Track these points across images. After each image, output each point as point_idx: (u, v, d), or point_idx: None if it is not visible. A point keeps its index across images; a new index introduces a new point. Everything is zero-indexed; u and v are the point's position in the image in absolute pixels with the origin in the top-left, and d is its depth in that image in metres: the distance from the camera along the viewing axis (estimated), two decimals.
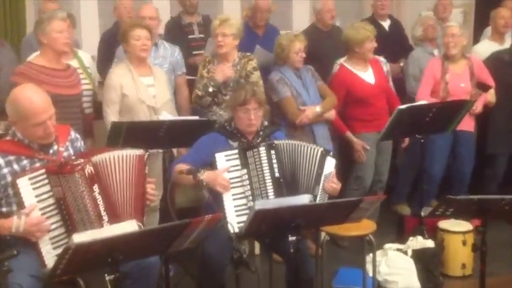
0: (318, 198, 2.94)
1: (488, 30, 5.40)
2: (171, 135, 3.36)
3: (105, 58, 4.44)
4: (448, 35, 4.32)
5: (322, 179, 2.96)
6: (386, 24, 5.55)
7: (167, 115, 3.48)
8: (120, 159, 2.60)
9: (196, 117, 3.66)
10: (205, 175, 2.79)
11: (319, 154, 2.98)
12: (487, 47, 4.97)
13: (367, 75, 4.17)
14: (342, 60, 4.37)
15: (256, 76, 3.86)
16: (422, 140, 3.93)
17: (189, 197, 3.33)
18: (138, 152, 2.67)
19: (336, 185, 3.00)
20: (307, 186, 2.98)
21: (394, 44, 5.27)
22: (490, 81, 4.43)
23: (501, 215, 2.70)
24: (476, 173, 4.67)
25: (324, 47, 4.69)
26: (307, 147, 3.01)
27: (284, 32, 4.97)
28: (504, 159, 4.67)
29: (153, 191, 2.75)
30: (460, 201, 2.61)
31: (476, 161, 4.62)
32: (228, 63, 3.85)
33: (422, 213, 3.68)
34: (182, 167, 2.91)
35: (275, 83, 3.97)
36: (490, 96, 4.35)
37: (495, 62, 4.56)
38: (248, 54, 3.99)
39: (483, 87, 4.42)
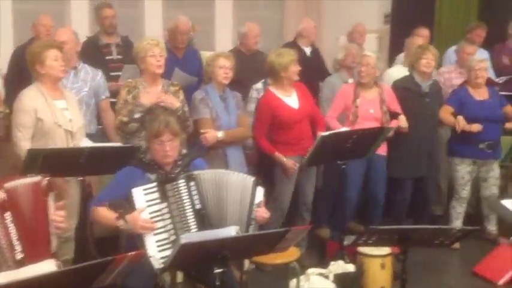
0: (250, 230, 2.90)
1: (402, 56, 5.64)
2: (92, 163, 3.25)
3: (15, 74, 4.25)
4: (363, 63, 4.45)
5: (254, 208, 2.93)
6: (308, 50, 5.70)
7: (88, 141, 3.35)
8: (26, 187, 2.51)
9: (119, 144, 3.55)
10: (123, 223, 2.72)
11: (251, 183, 2.92)
12: (400, 72, 5.13)
13: (291, 100, 4.20)
14: (258, 85, 4.41)
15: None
16: (343, 166, 4.02)
17: (108, 227, 3.21)
18: (36, 179, 2.56)
19: (265, 214, 2.98)
20: (237, 216, 2.92)
21: (313, 69, 5.40)
22: (398, 109, 4.57)
23: (421, 243, 2.81)
24: (387, 197, 4.81)
25: (246, 70, 4.73)
26: (236, 175, 2.97)
27: (207, 52, 4.99)
28: (410, 184, 4.81)
29: (61, 218, 2.61)
30: (382, 231, 2.69)
31: (388, 185, 4.77)
32: (156, 87, 3.78)
33: (346, 242, 3.76)
34: (101, 213, 2.83)
35: (197, 102, 3.97)
36: (402, 121, 4.48)
37: (400, 89, 4.71)
38: (176, 83, 3.95)
39: (393, 114, 4.58)
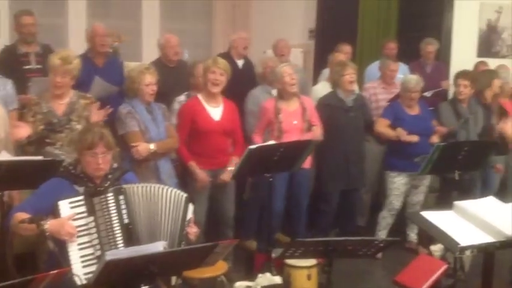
0: (183, 245, 2.86)
1: (327, 72, 5.78)
2: (11, 177, 3.10)
3: None
4: (286, 73, 4.49)
5: (186, 224, 2.88)
6: (240, 62, 5.74)
7: (6, 155, 3.20)
8: None
9: (40, 157, 3.42)
10: (48, 224, 2.59)
11: (183, 200, 2.86)
12: (325, 88, 5.27)
13: (215, 112, 4.19)
14: (181, 98, 4.38)
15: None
16: (271, 179, 4.06)
17: (27, 242, 3.09)
18: None
19: (195, 229, 2.95)
20: (169, 232, 2.85)
21: (245, 81, 5.44)
22: (316, 121, 4.65)
23: (345, 254, 2.88)
24: (312, 208, 4.93)
25: (168, 82, 4.70)
26: (169, 191, 2.89)
27: (133, 63, 4.92)
28: (336, 196, 4.94)
29: None
30: (308, 243, 2.74)
31: (313, 197, 4.88)
32: (61, 100, 3.70)
33: (273, 255, 3.79)
34: (22, 215, 2.67)
35: (123, 115, 3.89)
36: (316, 133, 4.55)
37: (324, 106, 4.82)
38: (88, 96, 3.86)
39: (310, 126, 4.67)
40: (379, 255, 4.44)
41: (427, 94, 5.63)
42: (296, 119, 4.52)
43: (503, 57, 6.91)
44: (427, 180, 4.99)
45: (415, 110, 4.92)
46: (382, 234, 4.95)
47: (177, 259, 2.54)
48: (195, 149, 4.15)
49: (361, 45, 7.28)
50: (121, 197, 2.82)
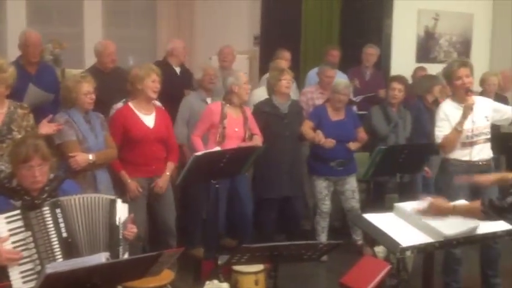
0: (120, 250, 2.82)
1: (266, 79, 5.83)
2: None
3: None
4: (244, 81, 4.54)
5: (121, 228, 2.85)
6: (178, 69, 5.72)
7: None
8: None
9: None
10: None
11: (108, 203, 2.83)
12: (265, 94, 5.24)
13: (148, 119, 4.12)
14: (118, 105, 4.32)
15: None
16: (217, 186, 4.06)
17: None
18: None
19: (133, 229, 2.90)
20: (106, 239, 2.81)
21: (182, 88, 5.42)
22: (257, 130, 4.69)
23: (291, 258, 2.91)
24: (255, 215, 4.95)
25: (104, 89, 4.62)
26: (95, 198, 2.84)
27: (75, 70, 4.80)
28: (275, 202, 4.97)
29: None
30: (254, 249, 2.75)
31: (256, 203, 4.91)
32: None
33: (220, 262, 3.78)
34: None
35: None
36: (256, 142, 4.58)
37: (260, 112, 4.84)
38: (25, 105, 3.75)
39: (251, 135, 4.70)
40: (325, 257, 4.55)
41: (356, 99, 5.78)
42: (238, 127, 4.54)
43: (441, 62, 7.15)
44: (350, 185, 5.00)
45: (339, 115, 4.98)
46: (322, 238, 5.00)
47: (121, 270, 2.50)
48: (130, 157, 4.06)
49: (304, 51, 7.40)
50: (58, 210, 2.73)
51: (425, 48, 7.39)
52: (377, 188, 5.36)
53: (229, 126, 4.49)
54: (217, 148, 4.14)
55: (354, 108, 5.68)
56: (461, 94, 3.97)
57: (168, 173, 4.15)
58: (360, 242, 5.14)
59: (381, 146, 4.49)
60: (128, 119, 4.05)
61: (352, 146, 4.94)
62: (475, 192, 3.93)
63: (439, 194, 4.13)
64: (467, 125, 3.93)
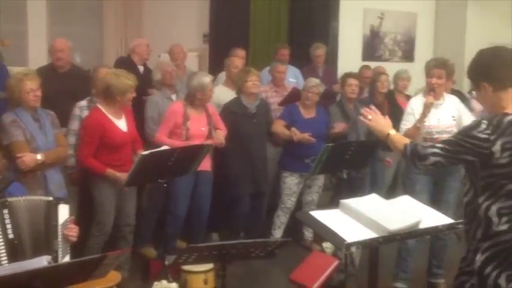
0: (59, 253, 2.77)
1: (223, 76, 5.83)
2: None
3: None
4: (209, 88, 4.54)
5: (60, 230, 2.80)
6: (141, 68, 5.66)
7: None
8: None
9: None
10: None
11: (48, 205, 2.79)
12: (221, 92, 5.30)
13: (121, 123, 4.13)
14: (82, 103, 4.26)
15: None
16: (165, 185, 4.03)
17: None
18: None
19: (73, 231, 2.86)
20: (46, 242, 2.77)
21: (145, 87, 5.35)
22: (221, 126, 4.73)
23: (239, 256, 2.92)
24: (226, 212, 4.99)
25: (60, 87, 4.52)
26: (38, 200, 2.80)
27: (18, 68, 4.68)
28: (246, 199, 5.00)
29: None
30: (202, 248, 2.74)
31: (226, 201, 4.93)
32: None
33: (166, 262, 3.76)
34: None
35: (7, 125, 3.69)
36: (217, 137, 4.60)
37: (229, 113, 4.89)
38: None
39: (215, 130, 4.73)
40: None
41: None
42: (203, 126, 4.57)
43: (386, 60, 7.33)
44: (320, 180, 5.18)
45: (311, 113, 5.09)
46: (277, 233, 5.08)
47: (63, 273, 2.44)
48: (106, 160, 4.04)
49: (253, 50, 7.43)
50: (5, 211, 2.68)
51: (371, 47, 7.54)
52: (336, 184, 5.45)
53: (193, 126, 4.50)
54: (165, 147, 4.11)
55: None
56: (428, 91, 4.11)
57: None
58: (310, 239, 5.21)
59: (327, 144, 4.55)
60: (104, 124, 4.02)
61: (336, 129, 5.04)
62: (437, 186, 4.07)
63: (404, 188, 4.27)
64: (432, 122, 4.06)
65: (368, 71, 6.25)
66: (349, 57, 7.25)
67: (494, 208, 2.36)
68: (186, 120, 4.48)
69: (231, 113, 4.88)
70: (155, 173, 3.98)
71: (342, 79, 5.45)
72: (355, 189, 4.77)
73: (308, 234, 5.22)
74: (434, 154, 2.46)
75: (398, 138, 2.71)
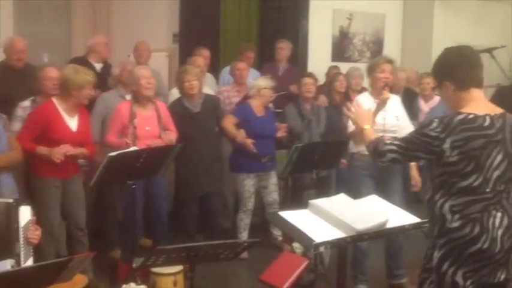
0: (22, 256, 2.70)
1: None
2: None
3: None
4: (142, 76, 4.43)
5: (21, 232, 2.73)
6: (99, 66, 5.57)
7: None
8: None
9: None
10: None
11: (10, 207, 2.72)
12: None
13: (72, 122, 4.04)
14: (25, 103, 4.17)
15: None
16: (133, 186, 3.98)
17: None
18: None
19: (37, 233, 2.80)
20: (10, 246, 2.67)
21: (104, 85, 5.29)
22: (172, 127, 4.65)
23: (207, 258, 2.90)
24: (177, 214, 4.97)
25: (13, 86, 4.42)
26: (3, 203, 2.73)
27: None
28: (196, 201, 4.97)
29: None
30: (170, 251, 2.72)
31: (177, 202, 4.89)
32: None
33: (134, 265, 3.71)
34: None
35: None
36: (167, 138, 4.54)
37: (173, 114, 4.78)
38: None
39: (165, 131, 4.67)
40: (245, 255, 4.59)
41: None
42: (150, 125, 4.47)
43: (355, 61, 7.39)
44: (273, 179, 5.11)
45: (262, 112, 5.05)
46: (243, 235, 5.05)
47: (27, 277, 2.39)
48: (44, 157, 3.92)
49: (224, 49, 7.41)
50: None
51: (340, 48, 7.59)
52: (295, 185, 5.47)
53: (139, 125, 4.40)
54: (134, 147, 4.06)
55: (270, 105, 5.75)
56: (378, 88, 4.10)
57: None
58: (279, 239, 5.21)
59: (297, 144, 4.57)
60: (51, 118, 3.92)
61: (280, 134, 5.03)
62: (380, 185, 4.09)
63: (346, 187, 4.29)
64: (378, 121, 4.02)
65: (336, 72, 6.30)
66: (319, 57, 7.29)
67: (447, 205, 2.41)
68: (132, 119, 4.38)
69: (173, 114, 4.78)
70: (123, 174, 3.93)
71: (298, 80, 5.48)
72: (323, 189, 4.81)
73: (277, 233, 5.23)
74: (391, 151, 2.51)
75: (369, 134, 2.75)
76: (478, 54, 2.55)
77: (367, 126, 2.78)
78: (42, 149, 3.89)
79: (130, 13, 7.38)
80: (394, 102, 4.23)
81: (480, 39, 7.20)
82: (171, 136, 4.54)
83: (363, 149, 4.00)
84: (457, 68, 2.46)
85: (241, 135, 4.81)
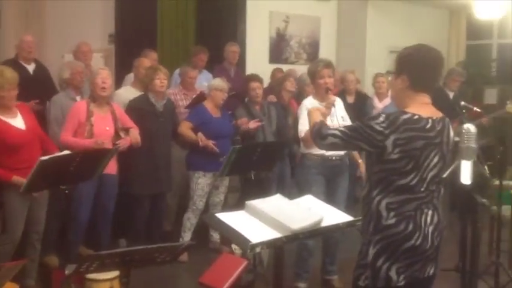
0: None
1: (131, 77, 5.71)
2: None
3: None
4: (99, 76, 4.45)
5: None
6: (31, 67, 5.41)
7: None
8: None
9: None
10: None
11: None
12: (128, 93, 5.25)
13: (17, 122, 3.97)
14: None
15: None
16: (66, 191, 3.88)
17: None
18: None
19: None
20: None
21: (39, 87, 5.16)
22: (131, 124, 4.67)
23: (144, 262, 2.86)
24: (126, 213, 4.89)
25: None
26: None
27: None
28: (148, 200, 4.95)
29: None
30: (103, 256, 2.66)
31: (124, 202, 4.81)
32: None
33: (67, 271, 3.62)
34: None
35: None
36: (133, 136, 4.57)
37: (135, 109, 4.81)
38: None
39: (126, 130, 4.65)
40: (185, 258, 4.56)
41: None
42: (108, 125, 4.48)
43: (292, 63, 7.49)
44: (227, 181, 5.20)
45: (218, 113, 5.10)
46: (186, 235, 5.03)
47: None
48: (10, 165, 3.88)
49: (161, 50, 7.34)
50: None
51: (278, 50, 7.67)
52: (243, 186, 5.49)
53: (97, 124, 4.40)
54: (66, 151, 3.96)
55: None
56: (322, 93, 4.18)
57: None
58: (218, 240, 5.21)
59: (234, 146, 4.59)
60: None
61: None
62: (331, 185, 4.18)
63: (297, 187, 4.35)
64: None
65: (280, 74, 6.37)
66: (257, 59, 7.35)
67: (384, 203, 2.45)
68: (89, 117, 4.38)
69: (137, 109, 4.80)
70: (56, 179, 3.82)
71: (245, 82, 5.51)
72: (263, 190, 4.84)
73: (215, 236, 5.23)
74: (333, 135, 2.50)
75: (316, 116, 2.73)
76: (443, 63, 2.55)
77: (319, 119, 2.73)
78: (16, 179, 3.85)
79: (64, 13, 7.18)
80: (339, 103, 4.33)
81: (410, 41, 7.41)
82: (135, 133, 4.57)
83: (314, 150, 4.12)
84: (420, 67, 2.48)
85: (203, 138, 4.85)
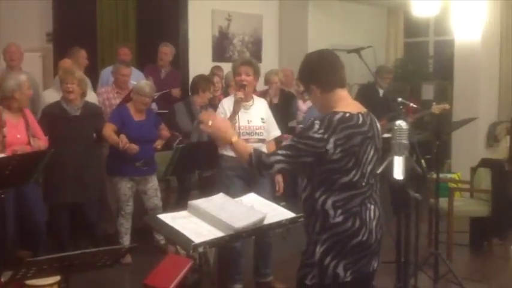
0: None
1: (58, 79, 5.55)
2: None
3: None
4: (27, 86, 4.31)
5: None
6: None
7: None
8: None
9: None
10: None
11: None
12: (51, 96, 5.13)
13: None
14: None
15: None
16: (2, 195, 3.76)
17: None
18: None
19: None
20: None
21: None
22: (40, 135, 4.48)
23: (83, 267, 2.80)
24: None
25: None
26: None
27: None
28: (66, 208, 4.79)
29: None
30: (40, 262, 2.59)
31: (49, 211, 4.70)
32: None
33: (2, 279, 3.50)
34: None
35: None
36: (38, 144, 4.36)
37: (48, 115, 4.68)
38: None
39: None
40: (129, 260, 4.49)
41: (154, 96, 5.80)
42: (20, 133, 4.31)
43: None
44: (152, 184, 5.01)
45: (141, 116, 4.95)
46: (125, 239, 4.94)
47: None
48: None
49: (101, 50, 7.21)
50: None
51: (221, 48, 7.66)
52: (182, 186, 5.43)
53: (10, 133, 4.21)
54: (2, 154, 3.83)
55: (154, 106, 5.67)
56: (238, 90, 4.13)
57: None
58: (162, 241, 5.15)
59: (178, 145, 4.55)
60: None
61: (159, 144, 4.96)
62: (249, 185, 4.10)
63: (216, 189, 4.30)
64: (242, 123, 4.08)
65: (219, 72, 6.35)
66: (200, 58, 7.31)
67: (329, 202, 2.48)
68: (1, 127, 4.17)
69: (48, 115, 4.65)
70: None
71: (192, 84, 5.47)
72: (206, 189, 4.81)
73: (159, 237, 5.16)
74: (278, 161, 2.47)
75: (242, 146, 2.65)
76: (337, 56, 2.60)
77: (234, 138, 2.64)
78: None
79: None
80: (260, 105, 4.30)
81: (350, 39, 7.60)
82: (40, 143, 4.39)
83: (227, 151, 4.03)
84: (320, 71, 2.52)
85: (123, 141, 4.69)
